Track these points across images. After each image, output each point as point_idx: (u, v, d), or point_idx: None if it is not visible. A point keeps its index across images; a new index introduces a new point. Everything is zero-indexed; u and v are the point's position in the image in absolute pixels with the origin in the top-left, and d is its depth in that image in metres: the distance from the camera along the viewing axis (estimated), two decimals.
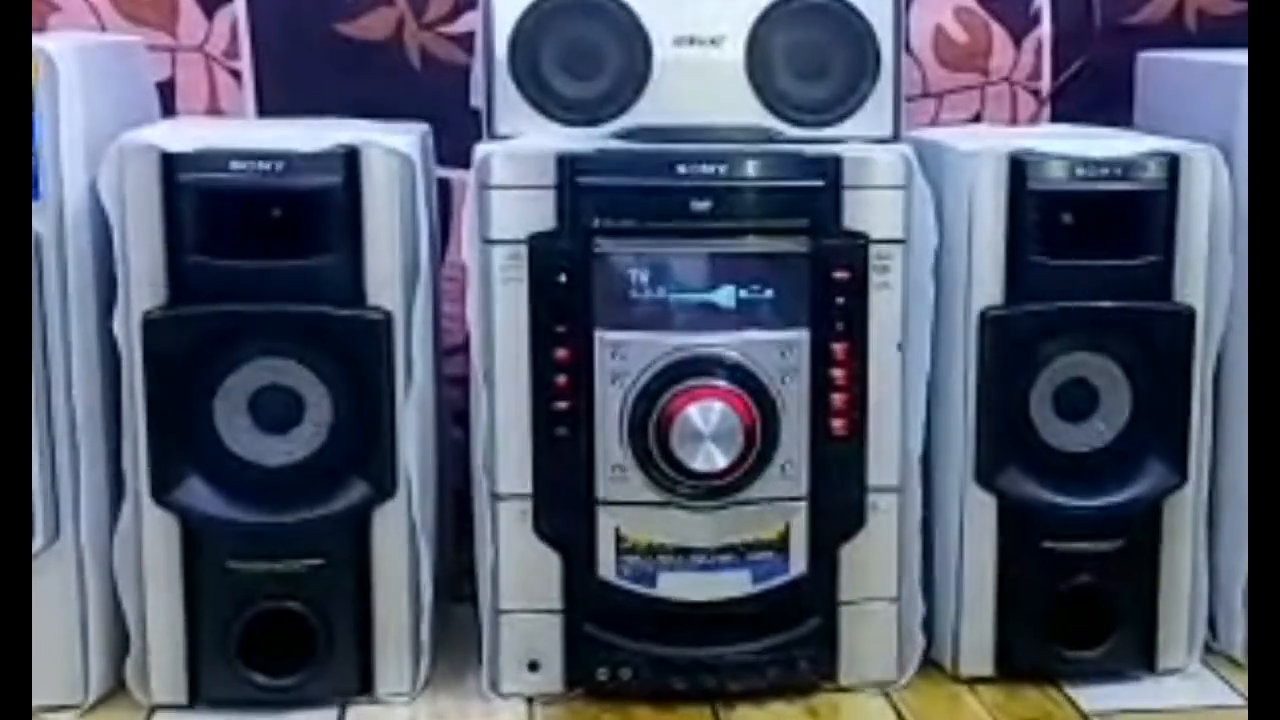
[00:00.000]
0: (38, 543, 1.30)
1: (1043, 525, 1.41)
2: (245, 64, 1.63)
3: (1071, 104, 1.74)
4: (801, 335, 1.34)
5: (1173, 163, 1.39)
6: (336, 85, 1.61)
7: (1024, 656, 1.43)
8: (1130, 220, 1.39)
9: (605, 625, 1.37)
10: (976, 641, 1.43)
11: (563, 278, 1.32)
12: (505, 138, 1.41)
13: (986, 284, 1.38)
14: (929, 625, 1.44)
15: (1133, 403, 1.41)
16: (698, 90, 1.43)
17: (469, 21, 1.61)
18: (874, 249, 1.36)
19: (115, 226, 1.30)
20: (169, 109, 1.61)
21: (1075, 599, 1.42)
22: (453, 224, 1.58)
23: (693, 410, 1.31)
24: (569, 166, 1.32)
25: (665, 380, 1.32)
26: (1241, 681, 1.44)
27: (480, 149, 1.35)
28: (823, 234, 1.34)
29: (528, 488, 1.35)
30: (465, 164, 1.37)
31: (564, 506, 1.35)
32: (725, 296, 1.33)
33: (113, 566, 1.35)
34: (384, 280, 1.32)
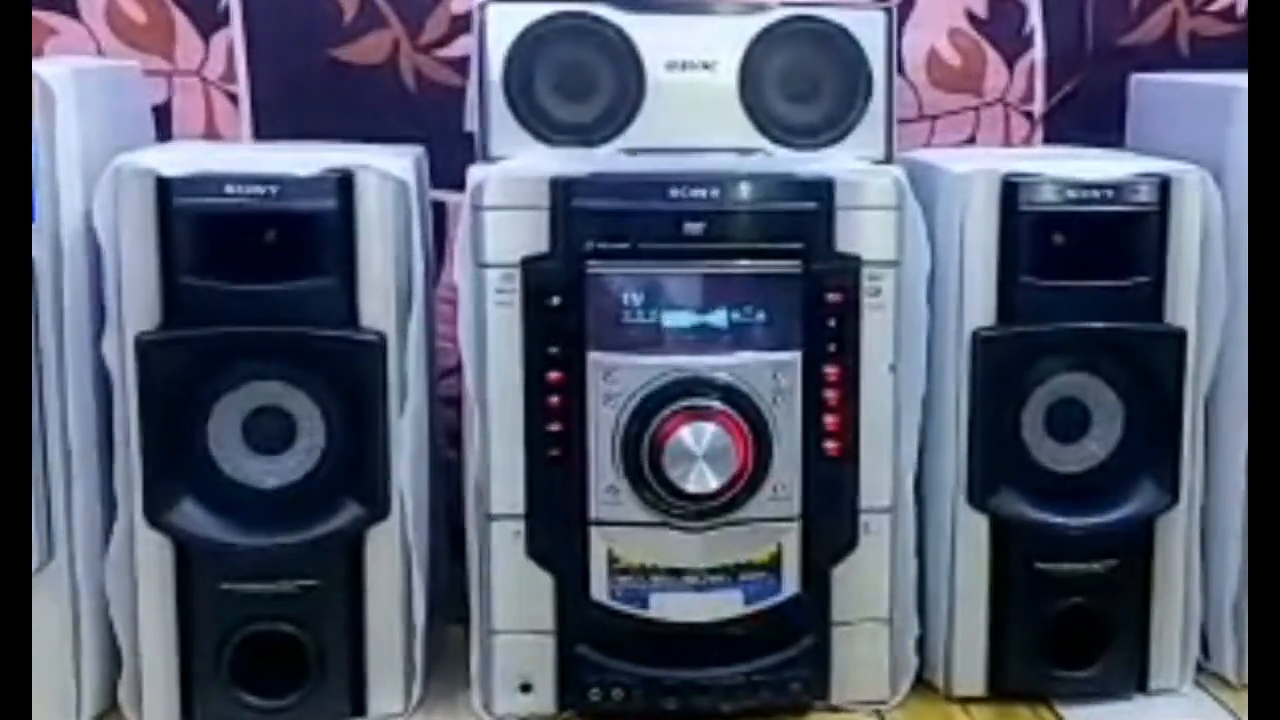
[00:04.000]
0: (31, 565, 1.30)
1: (1035, 545, 1.41)
2: (242, 88, 1.64)
3: (1064, 126, 1.75)
4: (794, 357, 1.35)
5: (1164, 184, 1.39)
6: (332, 108, 1.62)
7: (1016, 676, 1.44)
8: (1121, 242, 1.40)
9: (597, 646, 1.37)
10: (969, 661, 1.44)
11: (556, 300, 1.33)
12: (499, 160, 1.42)
13: (978, 305, 1.39)
14: (921, 645, 1.44)
15: (1124, 423, 1.41)
16: (691, 114, 1.44)
17: (464, 45, 1.62)
18: (866, 270, 1.36)
19: (107, 249, 1.30)
20: (166, 133, 1.62)
21: (1067, 619, 1.42)
22: (448, 246, 1.59)
23: (685, 431, 1.32)
24: (562, 189, 1.33)
25: (658, 402, 1.33)
26: (1234, 702, 1.44)
27: (474, 172, 1.36)
28: (815, 256, 1.35)
29: (521, 508, 1.36)
30: (461, 186, 1.37)
31: (557, 527, 1.36)
32: (718, 318, 1.34)
33: (105, 588, 1.35)
34: (378, 303, 1.33)
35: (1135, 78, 1.66)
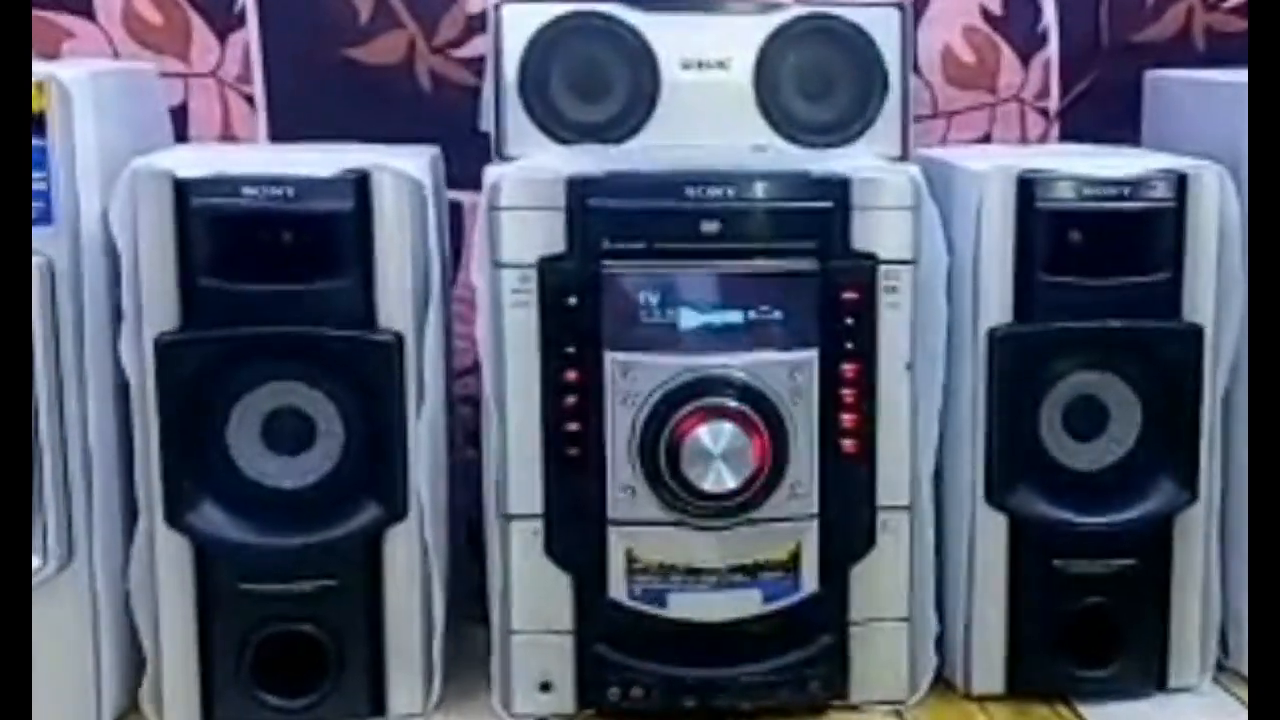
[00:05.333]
0: (51, 566, 1.31)
1: (1053, 544, 1.41)
2: (257, 89, 1.64)
3: (1080, 122, 1.74)
4: (811, 355, 1.35)
5: (1180, 181, 1.39)
6: (348, 109, 1.62)
7: (1035, 675, 1.43)
8: (1138, 239, 1.39)
9: (616, 645, 1.37)
10: (987, 660, 1.43)
11: (572, 300, 1.33)
12: (515, 160, 1.42)
13: (995, 303, 1.38)
14: (939, 643, 1.44)
15: (1142, 421, 1.41)
16: (706, 113, 1.45)
17: (479, 45, 1.62)
18: (883, 269, 1.36)
19: (124, 252, 1.31)
20: (182, 134, 1.62)
21: (1086, 617, 1.42)
22: (464, 246, 1.59)
23: (702, 431, 1.32)
24: (578, 189, 1.33)
25: (675, 401, 1.32)
26: None
27: (490, 172, 1.36)
28: (831, 254, 1.34)
29: (539, 508, 1.36)
30: (477, 186, 1.37)
31: (575, 527, 1.36)
32: (734, 317, 1.34)
33: (126, 590, 1.35)
34: (395, 303, 1.33)
35: (1151, 74, 1.66)
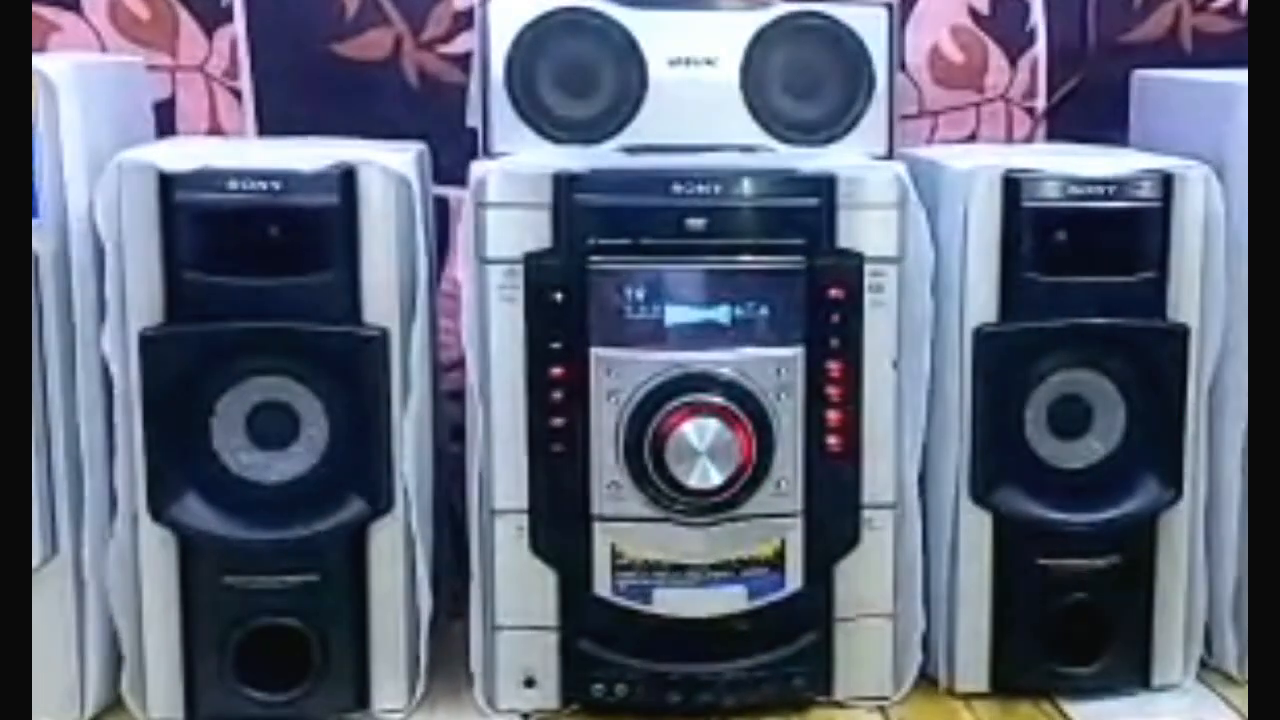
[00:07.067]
0: (36, 558, 1.31)
1: (1037, 542, 1.41)
2: (245, 83, 1.64)
3: (1067, 122, 1.75)
4: (796, 352, 1.35)
5: (1166, 181, 1.39)
6: (335, 104, 1.62)
7: (1019, 672, 1.44)
8: (1124, 238, 1.40)
9: (601, 641, 1.37)
10: (972, 657, 1.44)
11: (559, 296, 1.33)
12: (502, 156, 1.42)
13: (981, 301, 1.39)
14: (924, 641, 1.44)
15: (1127, 419, 1.41)
16: (693, 110, 1.45)
17: (466, 41, 1.62)
18: (868, 267, 1.36)
19: (109, 245, 1.30)
20: (170, 128, 1.62)
21: (1070, 615, 1.42)
22: (450, 242, 1.59)
23: (688, 427, 1.32)
24: (565, 185, 1.33)
25: (661, 397, 1.33)
26: (1236, 697, 1.44)
27: (476, 168, 1.36)
28: (817, 252, 1.35)
29: (524, 504, 1.36)
30: (463, 182, 1.37)
31: (560, 523, 1.36)
32: (720, 314, 1.34)
33: (108, 582, 1.35)
34: (381, 298, 1.33)
35: (1137, 74, 1.66)
